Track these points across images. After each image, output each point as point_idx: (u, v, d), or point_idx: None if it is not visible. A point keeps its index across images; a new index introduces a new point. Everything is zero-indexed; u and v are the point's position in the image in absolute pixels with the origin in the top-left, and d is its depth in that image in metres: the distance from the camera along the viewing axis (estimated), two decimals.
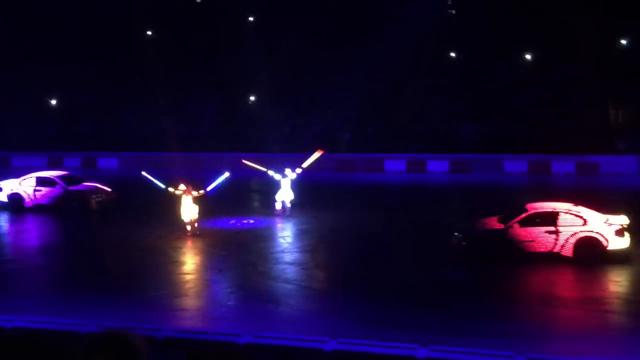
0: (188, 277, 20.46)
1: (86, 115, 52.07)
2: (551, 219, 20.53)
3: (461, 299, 17.57)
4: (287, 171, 27.76)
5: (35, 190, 29.93)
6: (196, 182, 25.37)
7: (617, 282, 19.13)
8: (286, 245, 24.08)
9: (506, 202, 26.46)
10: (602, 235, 20.19)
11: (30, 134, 47.85)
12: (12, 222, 28.97)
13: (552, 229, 20.37)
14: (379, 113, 46.88)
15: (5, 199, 30.09)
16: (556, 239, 20.31)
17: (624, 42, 47.36)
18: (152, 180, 25.37)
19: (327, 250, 23.47)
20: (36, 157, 43.87)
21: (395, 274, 19.88)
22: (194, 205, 24.40)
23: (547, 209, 20.93)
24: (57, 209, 29.48)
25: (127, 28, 50.96)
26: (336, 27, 49.61)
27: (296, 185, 28.01)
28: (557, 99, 44.98)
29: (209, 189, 24.95)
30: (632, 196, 30.71)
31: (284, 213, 27.60)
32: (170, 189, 24.82)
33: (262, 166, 28.45)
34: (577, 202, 21.45)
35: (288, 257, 22.07)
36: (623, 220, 20.71)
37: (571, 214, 20.57)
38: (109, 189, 30.33)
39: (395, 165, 41.76)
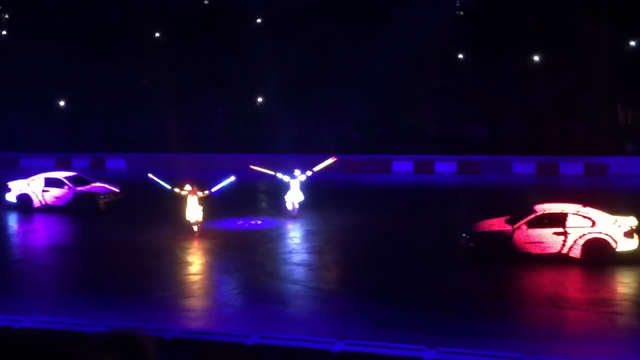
0: (195, 277, 20.48)
1: (94, 116, 52.20)
2: (559, 220, 20.46)
3: (469, 300, 17.53)
4: (297, 172, 27.75)
5: (43, 191, 30.04)
6: (202, 183, 25.41)
7: (625, 283, 19.03)
8: (294, 246, 24.07)
9: (514, 203, 26.38)
10: (611, 237, 20.11)
11: (39, 134, 48.05)
12: (21, 222, 29.10)
13: (561, 230, 20.30)
14: (387, 114, 46.83)
15: (14, 200, 30.24)
16: (564, 241, 20.24)
17: (633, 43, 47.21)
18: (158, 182, 25.43)
19: (335, 251, 23.44)
20: (44, 158, 44.07)
21: (403, 275, 19.85)
22: (199, 206, 24.46)
23: (555, 210, 20.86)
24: (65, 209, 29.58)
25: (135, 29, 51.09)
26: (344, 28, 49.61)
27: (304, 186, 28.00)
28: (565, 100, 44.82)
29: (213, 190, 24.99)
30: None
31: (294, 213, 27.60)
32: (176, 190, 24.88)
33: (270, 170, 28.42)
34: (585, 204, 21.38)
35: (296, 258, 22.07)
36: (632, 221, 20.64)
37: (580, 215, 20.49)
38: (117, 190, 30.41)
39: (403, 167, 41.72)
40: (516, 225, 20.62)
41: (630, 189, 34.07)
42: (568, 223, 20.33)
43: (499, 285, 19.03)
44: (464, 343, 12.98)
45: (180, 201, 24.82)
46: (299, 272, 20.54)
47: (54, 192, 29.97)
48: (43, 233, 27.83)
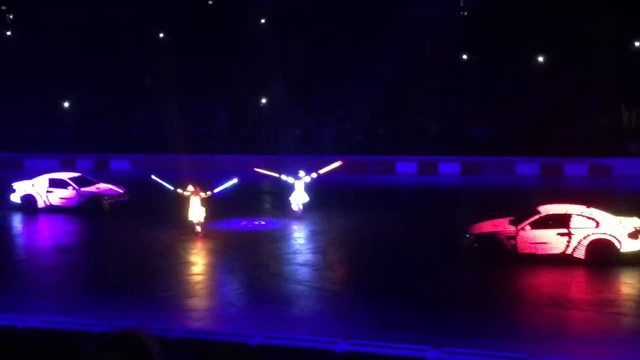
0: (199, 277, 20.50)
1: (98, 117, 52.24)
2: (563, 221, 20.44)
3: (473, 301, 17.52)
4: (301, 173, 27.74)
5: (47, 192, 30.09)
6: (205, 183, 25.43)
7: (629, 284, 19.01)
8: (298, 246, 24.08)
9: (518, 204, 26.33)
10: (615, 238, 20.09)
11: (43, 135, 48.07)
12: (25, 223, 29.15)
13: (565, 231, 20.27)
14: (390, 115, 46.78)
15: (19, 201, 30.31)
16: (568, 242, 20.21)
17: (637, 43, 47.11)
18: (161, 183, 25.48)
19: (339, 251, 23.44)
20: (49, 159, 44.14)
21: (407, 276, 19.83)
22: (201, 206, 24.49)
23: (559, 211, 20.84)
24: (70, 210, 29.62)
25: (139, 30, 51.14)
26: (348, 29, 49.59)
27: (309, 187, 27.99)
28: (569, 101, 44.72)
29: (216, 191, 25.02)
30: None
31: (298, 215, 27.60)
32: (179, 190, 24.92)
33: (274, 172, 28.40)
34: (589, 205, 21.34)
35: (300, 258, 22.08)
36: (636, 222, 20.61)
37: (584, 216, 20.46)
38: (121, 190, 30.44)
39: (406, 168, 41.70)
40: (520, 226, 20.59)
41: (635, 190, 33.97)
42: (572, 224, 20.30)
43: (502, 286, 19.02)
44: (468, 343, 12.96)
45: (183, 202, 24.85)
46: (303, 273, 20.54)
47: (59, 193, 30.03)
48: (47, 234, 27.87)
